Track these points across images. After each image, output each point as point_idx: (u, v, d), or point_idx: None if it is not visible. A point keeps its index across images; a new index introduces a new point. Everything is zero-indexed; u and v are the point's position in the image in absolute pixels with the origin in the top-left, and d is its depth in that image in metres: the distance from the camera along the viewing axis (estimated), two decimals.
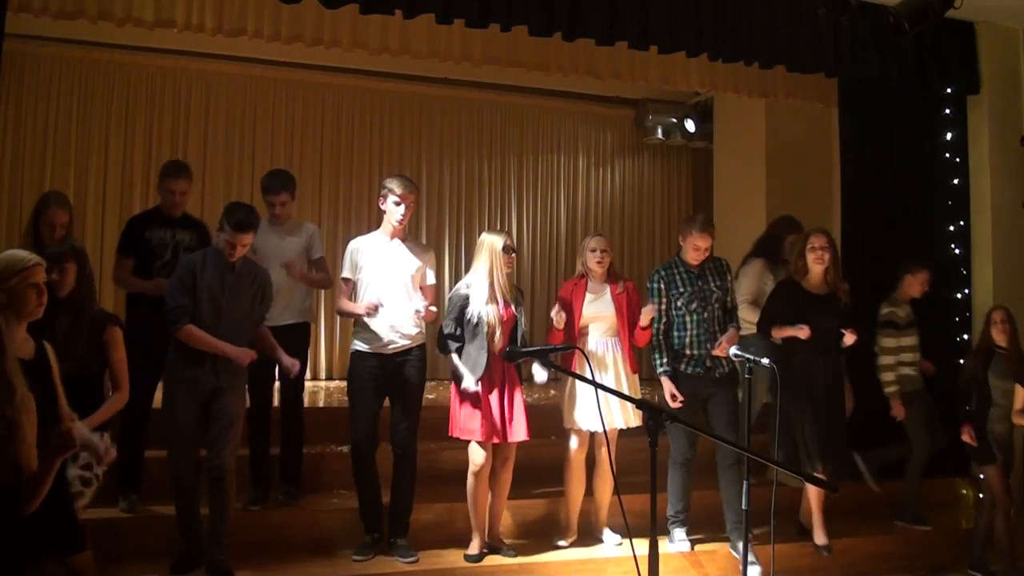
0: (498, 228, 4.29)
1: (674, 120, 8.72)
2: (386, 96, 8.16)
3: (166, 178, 4.38)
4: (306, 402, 5.47)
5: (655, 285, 4.42)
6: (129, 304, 4.37)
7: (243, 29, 4.49)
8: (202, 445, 3.85)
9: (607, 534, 4.49)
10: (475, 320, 4.16)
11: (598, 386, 2.86)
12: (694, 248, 4.36)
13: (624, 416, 4.36)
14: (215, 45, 6.00)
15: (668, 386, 4.33)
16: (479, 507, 4.20)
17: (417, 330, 4.23)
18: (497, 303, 4.19)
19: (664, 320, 4.40)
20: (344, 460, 4.47)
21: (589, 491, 4.53)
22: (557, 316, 4.28)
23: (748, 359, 3.85)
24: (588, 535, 4.53)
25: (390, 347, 4.15)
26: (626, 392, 4.30)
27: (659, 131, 8.75)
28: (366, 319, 4.14)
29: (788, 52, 5.19)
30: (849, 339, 4.33)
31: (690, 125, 8.64)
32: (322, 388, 7.06)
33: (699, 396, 4.38)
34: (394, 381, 4.18)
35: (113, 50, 7.21)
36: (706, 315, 4.34)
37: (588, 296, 4.44)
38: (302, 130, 7.89)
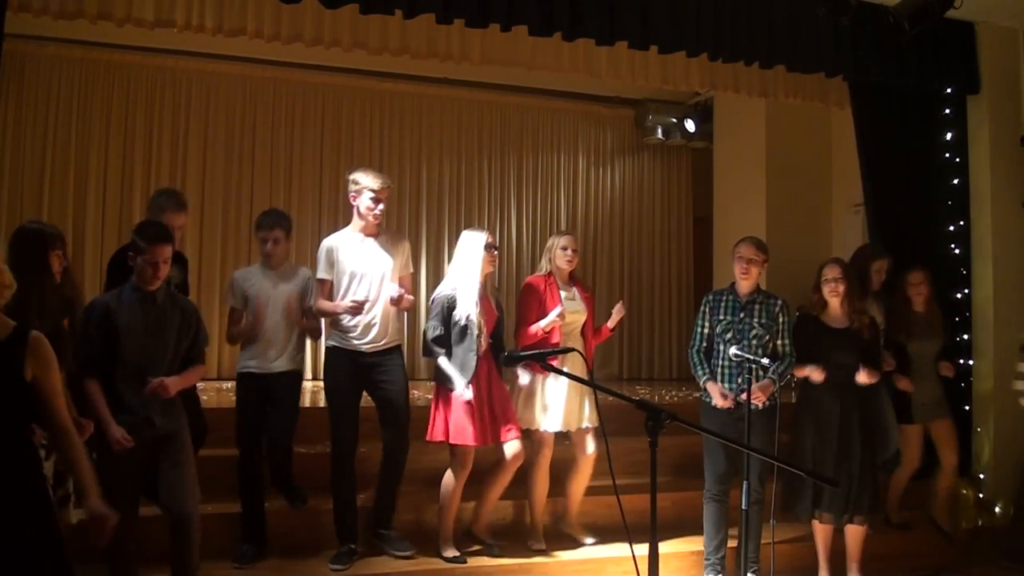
0: (480, 226, 4.25)
1: (674, 120, 8.74)
2: (386, 96, 8.17)
3: (166, 212, 3.91)
4: (307, 402, 5.46)
5: (703, 307, 4.35)
6: None
7: (243, 29, 4.49)
8: (151, 496, 3.45)
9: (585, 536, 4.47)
10: (463, 322, 4.08)
11: (596, 387, 2.86)
12: (738, 257, 4.23)
13: (591, 416, 4.34)
14: (215, 45, 6.01)
15: (715, 389, 4.19)
16: (453, 510, 4.19)
17: (396, 329, 4.19)
18: (483, 303, 4.14)
19: (704, 344, 4.31)
20: None
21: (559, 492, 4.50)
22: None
23: (748, 359, 3.87)
24: (565, 538, 4.51)
25: (368, 346, 4.09)
26: (585, 396, 4.32)
27: (659, 131, 8.76)
28: (346, 318, 4.07)
29: (788, 52, 5.18)
30: (863, 378, 4.14)
31: (690, 125, 8.66)
32: (321, 388, 7.04)
33: (730, 427, 4.12)
34: (375, 381, 4.11)
35: (113, 50, 7.22)
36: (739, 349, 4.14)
37: (563, 294, 4.36)
38: (302, 130, 7.90)
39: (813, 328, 4.32)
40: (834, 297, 4.28)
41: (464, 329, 4.08)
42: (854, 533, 4.31)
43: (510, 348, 4.53)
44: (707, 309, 4.33)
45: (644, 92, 8.36)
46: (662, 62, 5.24)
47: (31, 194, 7.11)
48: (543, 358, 2.50)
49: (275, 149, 7.82)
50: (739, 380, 4.13)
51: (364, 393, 4.19)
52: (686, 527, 4.54)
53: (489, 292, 4.25)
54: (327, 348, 4.19)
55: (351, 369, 4.09)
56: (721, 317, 4.25)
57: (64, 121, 7.25)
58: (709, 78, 5.50)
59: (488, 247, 4.17)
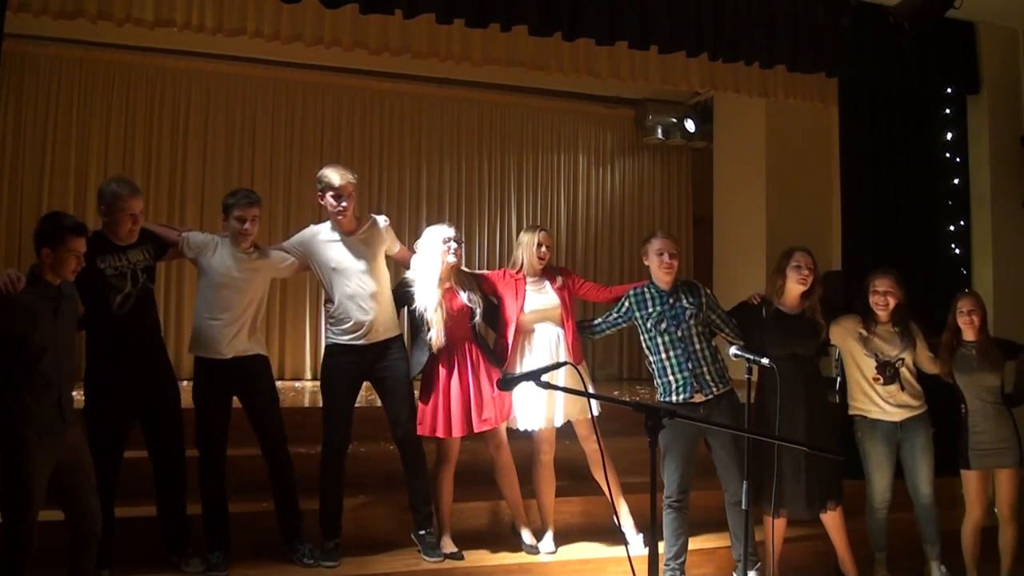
0: (451, 222, 4.26)
1: (674, 120, 8.74)
2: (386, 96, 8.17)
3: (118, 199, 3.71)
4: (307, 401, 5.43)
5: (623, 301, 4.26)
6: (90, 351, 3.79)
7: (243, 29, 4.49)
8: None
9: (630, 534, 4.36)
10: (418, 315, 4.10)
11: (591, 395, 2.94)
12: (657, 253, 4.15)
13: (565, 411, 4.20)
14: (215, 45, 6.01)
15: None
16: (444, 504, 4.18)
17: (393, 321, 4.17)
18: (439, 296, 4.07)
19: (602, 331, 4.40)
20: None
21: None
22: None
23: (748, 358, 3.86)
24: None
25: (363, 340, 4.05)
26: (583, 381, 4.23)
27: (659, 131, 8.77)
28: (341, 314, 4.04)
29: (788, 52, 5.19)
30: None
31: (690, 125, 8.66)
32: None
33: (694, 431, 3.98)
34: (376, 375, 4.11)
35: (113, 50, 7.22)
36: (680, 334, 4.08)
37: (529, 288, 4.29)
38: (302, 130, 7.91)
39: (767, 314, 4.22)
40: (800, 285, 4.19)
41: (419, 322, 4.10)
42: (832, 520, 4.26)
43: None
44: (631, 303, 4.23)
45: (644, 92, 8.36)
46: (662, 62, 5.24)
47: (31, 194, 7.11)
48: (537, 377, 2.52)
49: (275, 149, 7.82)
50: (689, 365, 4.05)
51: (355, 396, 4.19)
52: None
53: (458, 285, 4.17)
54: (326, 346, 4.19)
55: (350, 366, 4.07)
56: (650, 310, 4.17)
57: (64, 121, 7.25)
58: (709, 78, 5.50)
59: (445, 240, 4.09)
